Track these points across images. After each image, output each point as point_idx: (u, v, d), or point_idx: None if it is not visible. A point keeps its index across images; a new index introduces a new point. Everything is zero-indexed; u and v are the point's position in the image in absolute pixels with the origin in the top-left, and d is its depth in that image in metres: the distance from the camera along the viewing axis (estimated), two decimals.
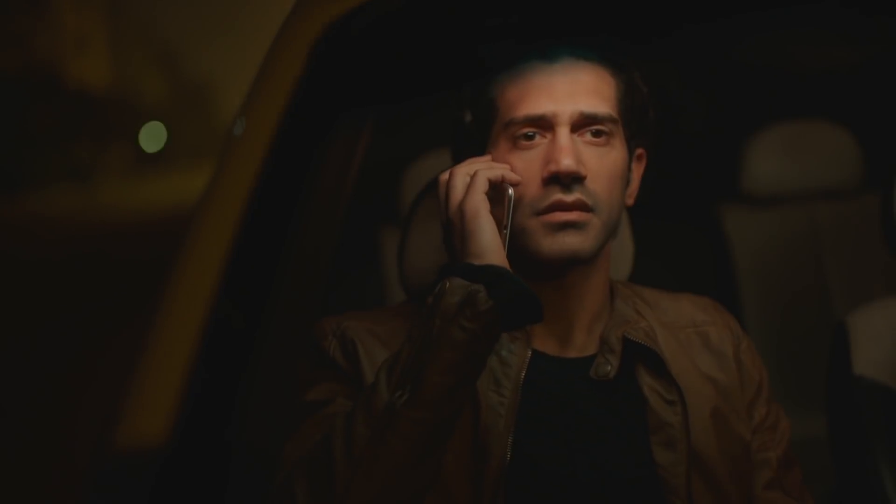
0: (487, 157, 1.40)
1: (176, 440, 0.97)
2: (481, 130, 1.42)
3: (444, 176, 1.39)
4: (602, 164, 1.38)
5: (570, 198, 1.35)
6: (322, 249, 1.26)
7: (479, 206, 1.33)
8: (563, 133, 1.36)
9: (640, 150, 1.48)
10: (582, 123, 1.37)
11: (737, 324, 1.57)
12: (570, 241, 1.36)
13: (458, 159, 1.48)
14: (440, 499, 1.33)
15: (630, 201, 1.46)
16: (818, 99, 2.92)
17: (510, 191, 1.36)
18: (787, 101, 2.94)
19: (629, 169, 1.44)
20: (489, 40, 1.43)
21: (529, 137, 1.38)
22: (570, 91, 1.38)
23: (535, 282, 1.34)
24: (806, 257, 2.79)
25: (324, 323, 1.45)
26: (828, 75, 2.94)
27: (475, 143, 1.43)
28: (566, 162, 1.34)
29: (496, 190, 1.36)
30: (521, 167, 1.37)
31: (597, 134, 1.38)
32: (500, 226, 1.35)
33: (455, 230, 1.35)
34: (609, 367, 1.41)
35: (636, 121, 1.43)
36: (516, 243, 1.37)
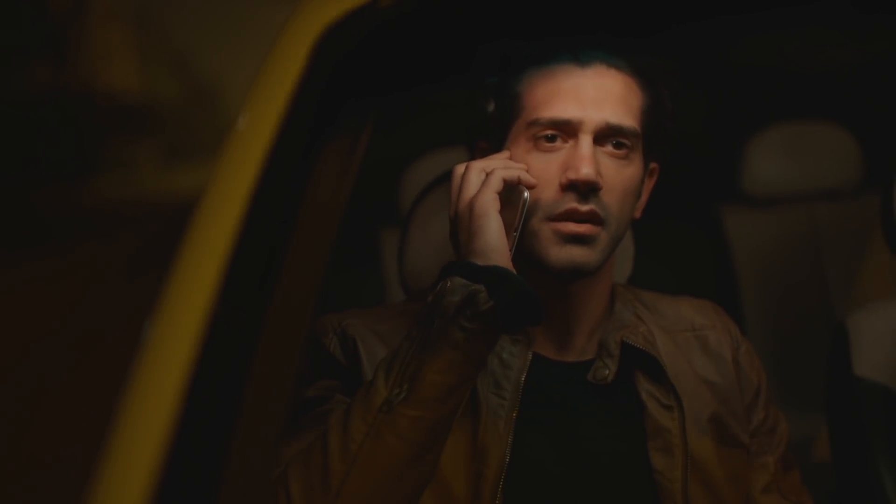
0: (506, 154, 1.39)
1: (174, 440, 0.97)
2: (503, 123, 1.41)
3: (460, 169, 1.37)
4: (619, 177, 1.36)
5: (584, 207, 1.34)
6: (322, 249, 1.26)
7: (489, 205, 1.32)
8: (586, 141, 1.34)
9: (653, 165, 1.47)
10: (606, 134, 1.36)
11: (736, 327, 1.56)
12: (577, 255, 1.35)
13: (473, 148, 1.47)
14: (440, 499, 1.33)
15: (638, 214, 1.45)
16: (818, 99, 2.91)
17: (525, 194, 1.34)
18: (787, 101, 2.94)
19: (642, 183, 1.43)
20: (490, 40, 1.43)
21: (551, 140, 1.36)
22: (599, 99, 1.36)
23: (539, 286, 1.33)
24: (806, 258, 2.79)
25: (324, 320, 1.44)
26: (828, 75, 2.94)
27: (494, 135, 1.42)
28: (586, 171, 1.32)
29: (511, 191, 1.34)
30: (538, 169, 1.36)
31: (618, 146, 1.37)
32: (509, 227, 1.33)
33: (462, 225, 1.34)
34: (607, 372, 1.41)
35: (656, 136, 1.42)
36: (524, 246, 1.36)
